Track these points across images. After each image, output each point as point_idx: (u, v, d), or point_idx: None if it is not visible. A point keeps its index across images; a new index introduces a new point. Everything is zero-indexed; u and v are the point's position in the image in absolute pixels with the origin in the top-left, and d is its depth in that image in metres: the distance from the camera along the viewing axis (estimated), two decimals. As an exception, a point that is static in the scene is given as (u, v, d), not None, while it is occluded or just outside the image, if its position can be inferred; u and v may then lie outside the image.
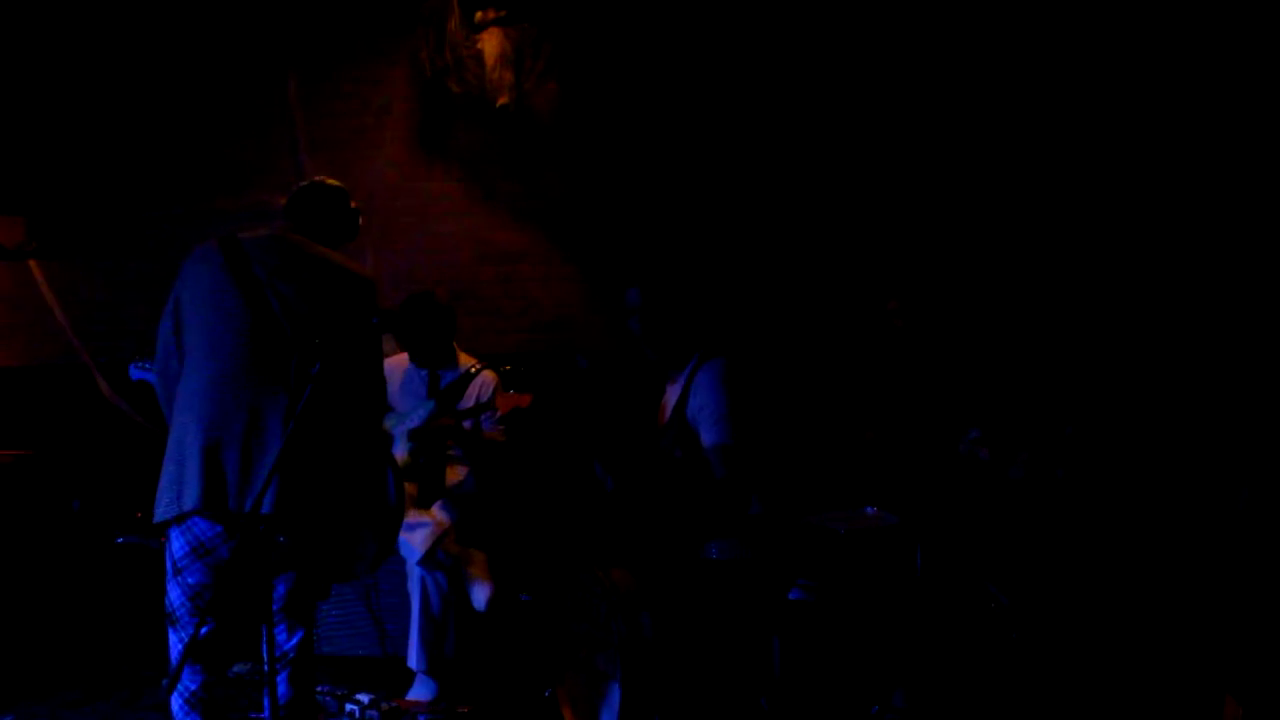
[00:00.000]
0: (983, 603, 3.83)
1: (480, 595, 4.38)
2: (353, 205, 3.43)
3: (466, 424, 4.54)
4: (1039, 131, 5.04)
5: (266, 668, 2.92)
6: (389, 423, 4.72)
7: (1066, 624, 3.86)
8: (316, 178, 3.43)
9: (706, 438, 3.64)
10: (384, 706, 4.19)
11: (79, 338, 5.43)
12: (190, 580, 3.09)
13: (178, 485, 3.02)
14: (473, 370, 4.59)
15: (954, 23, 5.16)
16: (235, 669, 4.63)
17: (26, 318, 5.51)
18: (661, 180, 5.53)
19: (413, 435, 4.50)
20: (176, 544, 3.08)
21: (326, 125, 5.68)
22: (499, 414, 4.52)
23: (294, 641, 3.18)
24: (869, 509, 3.74)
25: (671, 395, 3.82)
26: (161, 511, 3.06)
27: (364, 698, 4.20)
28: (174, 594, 3.11)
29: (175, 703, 3.14)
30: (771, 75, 5.44)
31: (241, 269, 3.11)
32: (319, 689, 4.21)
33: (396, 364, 4.76)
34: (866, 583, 3.72)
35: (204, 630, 3.09)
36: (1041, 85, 5.03)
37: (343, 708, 4.16)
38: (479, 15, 5.52)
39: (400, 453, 4.60)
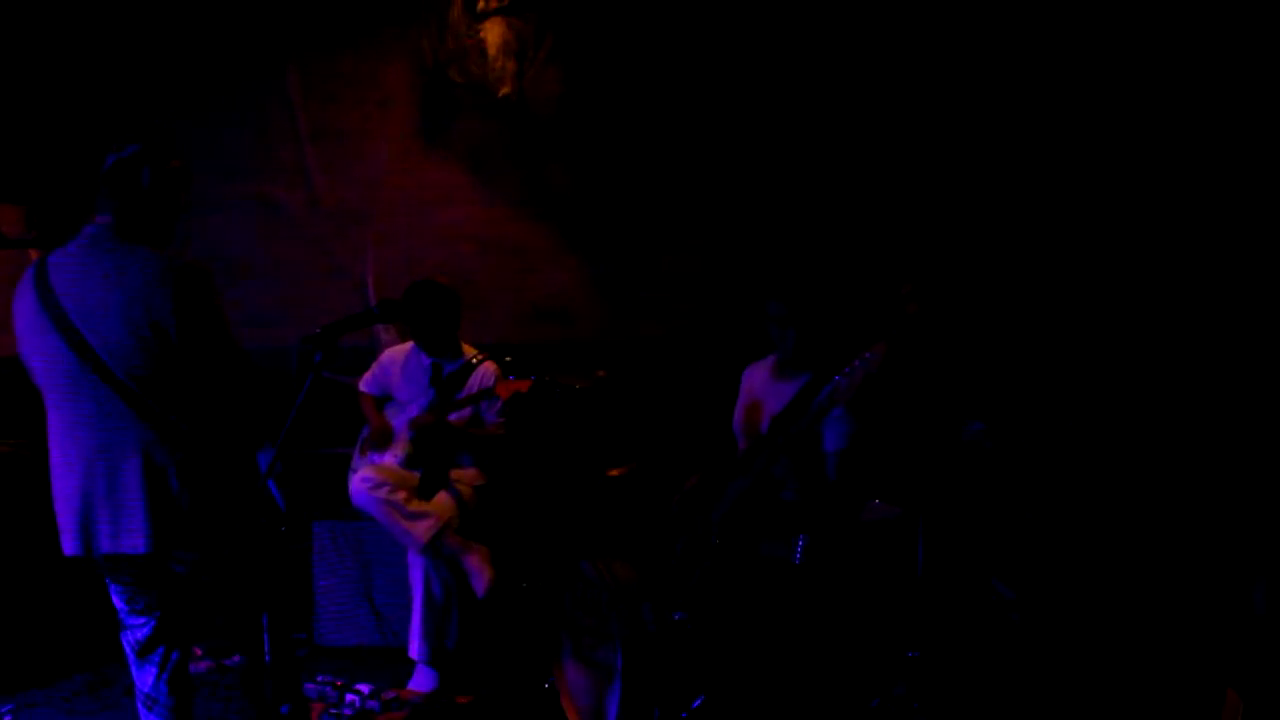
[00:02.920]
0: (985, 595, 3.82)
1: (480, 582, 4.39)
2: (173, 165, 2.99)
3: (465, 413, 4.54)
4: (1053, 124, 5.01)
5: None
6: (390, 413, 4.72)
7: (1068, 616, 3.86)
8: (117, 149, 3.01)
9: (831, 442, 3.71)
10: (384, 697, 4.19)
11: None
12: (117, 586, 3.12)
13: (61, 528, 3.02)
14: (474, 361, 4.59)
15: (971, 10, 5.13)
16: (237, 659, 4.64)
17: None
18: (665, 169, 5.52)
19: (413, 425, 4.50)
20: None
21: (327, 115, 5.67)
22: (501, 402, 4.52)
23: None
24: (873, 501, 3.74)
25: (780, 392, 3.85)
26: None
27: (364, 688, 4.19)
28: (113, 598, 3.15)
29: (137, 704, 3.18)
30: (778, 61, 5.41)
31: (51, 301, 2.88)
32: (319, 678, 4.22)
33: (398, 354, 4.77)
34: (869, 574, 3.72)
35: (143, 632, 3.13)
36: (1060, 78, 4.99)
37: (343, 698, 4.15)
38: (481, 4, 5.50)
39: (401, 443, 4.60)
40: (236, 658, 4.65)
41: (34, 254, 5.45)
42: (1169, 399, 4.32)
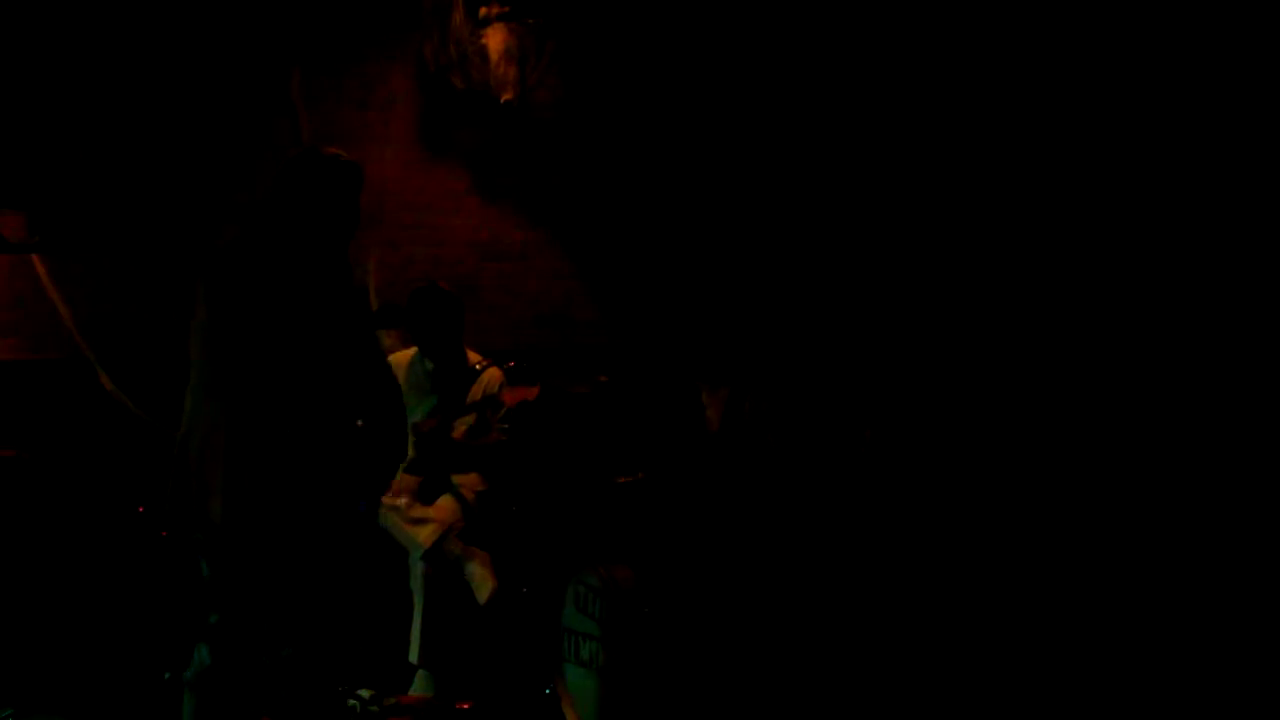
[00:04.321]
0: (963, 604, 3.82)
1: (482, 590, 4.38)
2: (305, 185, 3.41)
3: (470, 418, 4.54)
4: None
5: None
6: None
7: (1060, 619, 3.86)
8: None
9: None
10: (384, 703, 4.18)
11: (81, 333, 5.42)
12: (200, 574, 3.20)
13: None
14: (478, 367, 4.59)
15: (961, 20, 5.14)
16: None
17: (29, 312, 5.50)
18: (666, 175, 5.53)
19: (415, 431, 4.50)
20: None
21: (329, 120, 5.66)
22: (504, 408, 4.53)
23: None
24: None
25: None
26: None
27: (364, 694, 4.19)
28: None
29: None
30: (775, 69, 5.43)
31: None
32: (319, 685, 4.22)
33: (401, 360, 4.77)
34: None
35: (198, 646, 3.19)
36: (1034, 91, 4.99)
37: (343, 704, 4.15)
38: (483, 10, 5.51)
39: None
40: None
41: (37, 260, 5.47)
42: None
